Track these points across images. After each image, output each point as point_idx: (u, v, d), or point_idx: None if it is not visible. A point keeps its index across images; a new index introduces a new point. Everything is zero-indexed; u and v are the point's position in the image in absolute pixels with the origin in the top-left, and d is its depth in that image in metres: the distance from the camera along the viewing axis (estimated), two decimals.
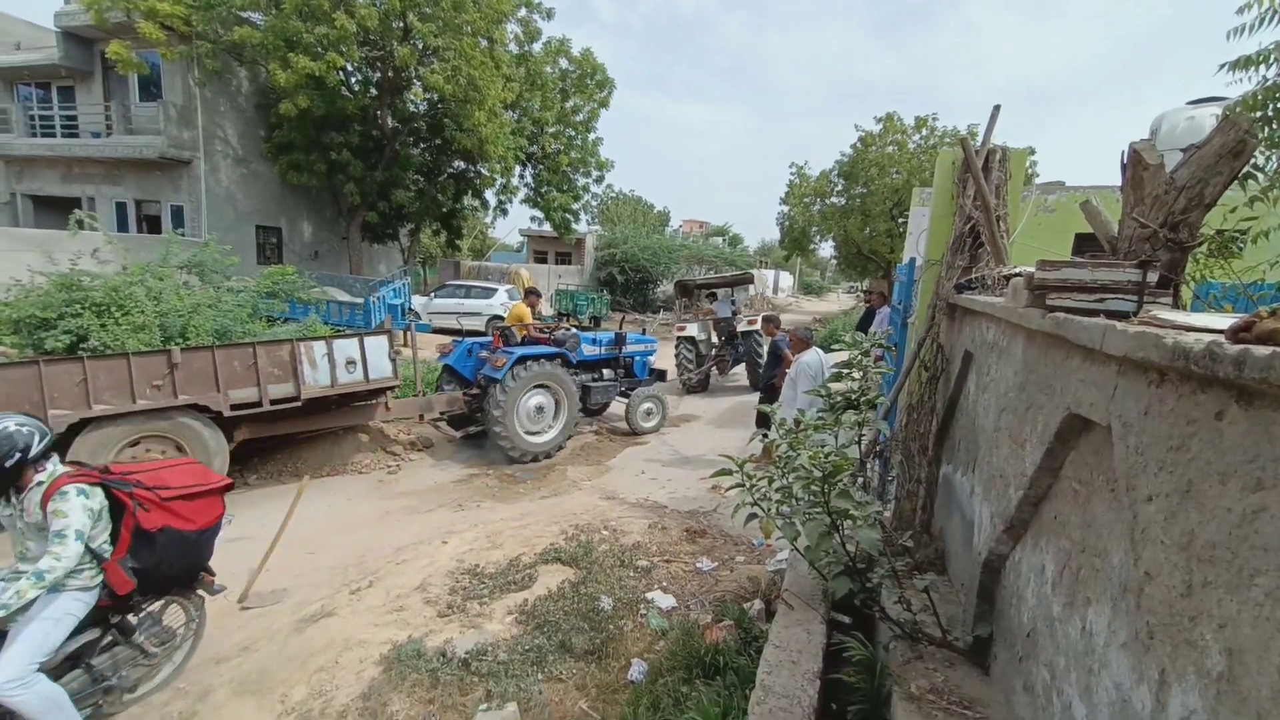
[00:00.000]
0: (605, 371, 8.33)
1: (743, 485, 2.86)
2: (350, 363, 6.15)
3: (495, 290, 16.26)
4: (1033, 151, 18.29)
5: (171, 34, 12.61)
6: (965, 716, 2.04)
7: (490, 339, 7.64)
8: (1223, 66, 2.85)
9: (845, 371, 3.15)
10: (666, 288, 25.72)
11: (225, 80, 14.64)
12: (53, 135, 15.80)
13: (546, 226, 22.91)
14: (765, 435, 3.11)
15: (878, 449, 4.08)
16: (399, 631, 3.56)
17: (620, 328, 8.77)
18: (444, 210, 18.45)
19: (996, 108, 3.76)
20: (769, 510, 2.86)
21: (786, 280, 45.40)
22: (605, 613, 3.66)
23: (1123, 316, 1.56)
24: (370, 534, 5.07)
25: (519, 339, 7.55)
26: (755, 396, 8.11)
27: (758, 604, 3.65)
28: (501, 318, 14.68)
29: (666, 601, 3.89)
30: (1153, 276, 1.65)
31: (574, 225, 22.19)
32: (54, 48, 15.29)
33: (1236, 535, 0.97)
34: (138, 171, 15.29)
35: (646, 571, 4.27)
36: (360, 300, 12.55)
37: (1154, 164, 1.84)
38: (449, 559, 4.45)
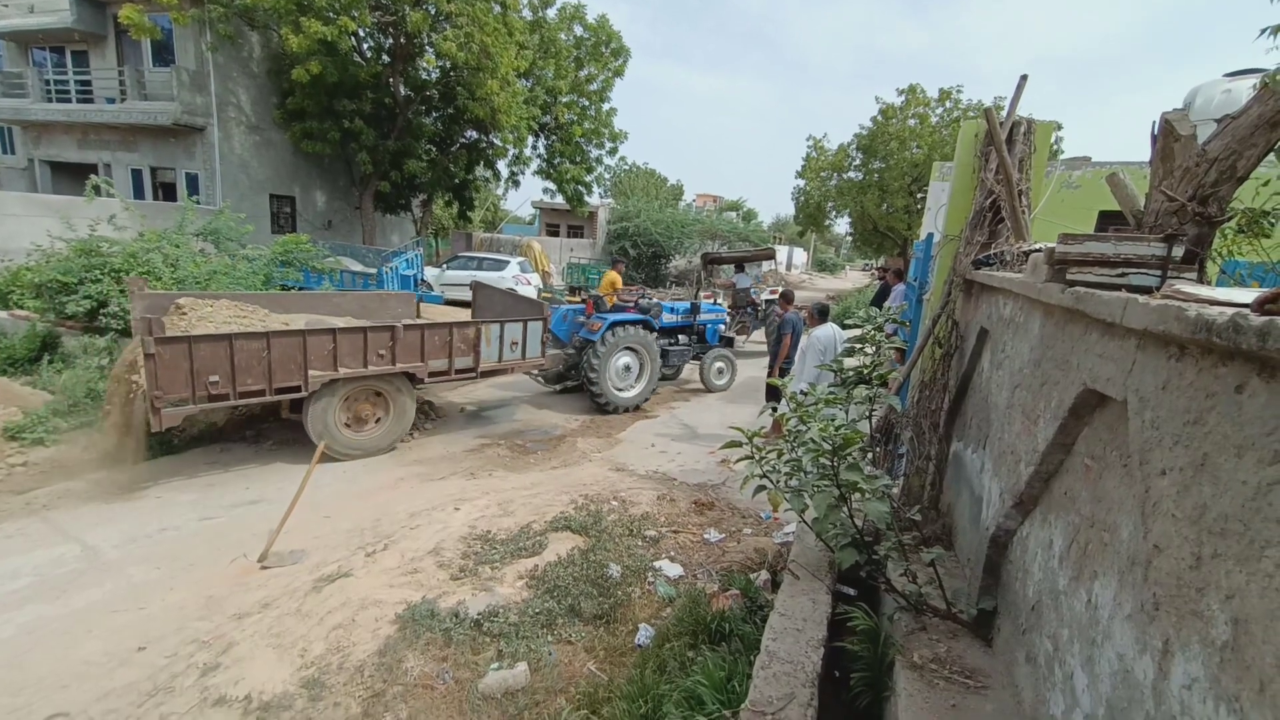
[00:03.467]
0: (680, 337, 9.23)
1: (752, 457, 2.88)
2: (514, 343, 6.98)
3: (508, 262, 16.21)
4: (1059, 126, 17.75)
5: None
6: (967, 685, 2.07)
7: (584, 307, 8.43)
8: (1264, 31, 2.73)
9: (858, 347, 3.13)
10: (679, 262, 25.53)
11: (238, 46, 14.49)
12: (68, 100, 15.81)
13: (559, 199, 22.68)
14: (775, 409, 3.12)
15: (889, 424, 4.08)
16: (413, 593, 3.66)
17: (696, 298, 9.65)
18: (456, 181, 18.33)
19: (1023, 78, 3.64)
20: (778, 483, 2.89)
21: (800, 257, 44.88)
22: (614, 579, 3.74)
23: (1145, 291, 1.53)
24: (385, 499, 5.18)
25: (609, 306, 8.40)
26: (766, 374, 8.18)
27: (764, 574, 3.70)
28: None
29: (674, 570, 3.96)
30: (1178, 251, 1.61)
31: (587, 198, 21.96)
32: (66, 10, 15.20)
33: (1250, 507, 0.97)
34: (153, 138, 15.31)
35: (655, 541, 4.34)
36: (373, 270, 12.59)
37: (1186, 135, 1.79)
38: (461, 525, 4.54)
